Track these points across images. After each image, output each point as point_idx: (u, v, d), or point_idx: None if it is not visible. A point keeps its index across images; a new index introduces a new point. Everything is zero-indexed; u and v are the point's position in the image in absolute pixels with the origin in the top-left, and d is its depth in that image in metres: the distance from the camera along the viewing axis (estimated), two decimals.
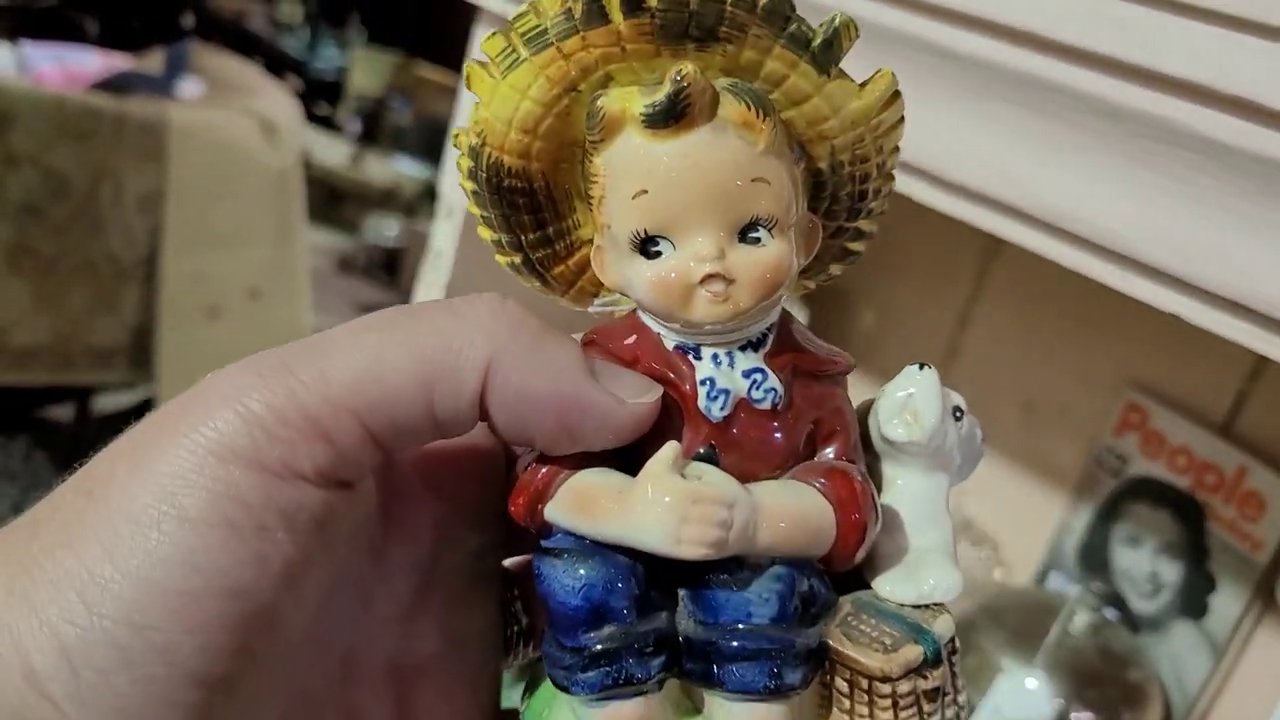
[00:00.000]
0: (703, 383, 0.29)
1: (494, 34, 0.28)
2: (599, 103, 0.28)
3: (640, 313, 0.30)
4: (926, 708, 0.29)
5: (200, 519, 0.24)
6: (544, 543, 0.29)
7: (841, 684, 0.29)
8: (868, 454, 0.32)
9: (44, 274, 1.60)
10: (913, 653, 0.29)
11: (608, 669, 0.28)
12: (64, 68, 1.86)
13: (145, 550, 0.24)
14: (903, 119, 0.30)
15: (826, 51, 0.27)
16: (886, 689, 0.29)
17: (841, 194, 0.30)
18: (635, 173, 0.28)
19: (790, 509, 0.28)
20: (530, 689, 0.33)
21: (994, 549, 0.88)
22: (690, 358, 0.29)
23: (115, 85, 1.79)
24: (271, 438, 0.25)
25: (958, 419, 0.32)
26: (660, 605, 0.29)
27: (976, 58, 0.47)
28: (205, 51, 2.15)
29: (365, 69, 3.71)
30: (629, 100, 0.27)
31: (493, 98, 0.28)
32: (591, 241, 0.30)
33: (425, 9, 3.91)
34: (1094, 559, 0.82)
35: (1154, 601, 0.78)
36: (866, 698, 0.29)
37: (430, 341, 0.27)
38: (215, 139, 1.75)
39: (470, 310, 0.28)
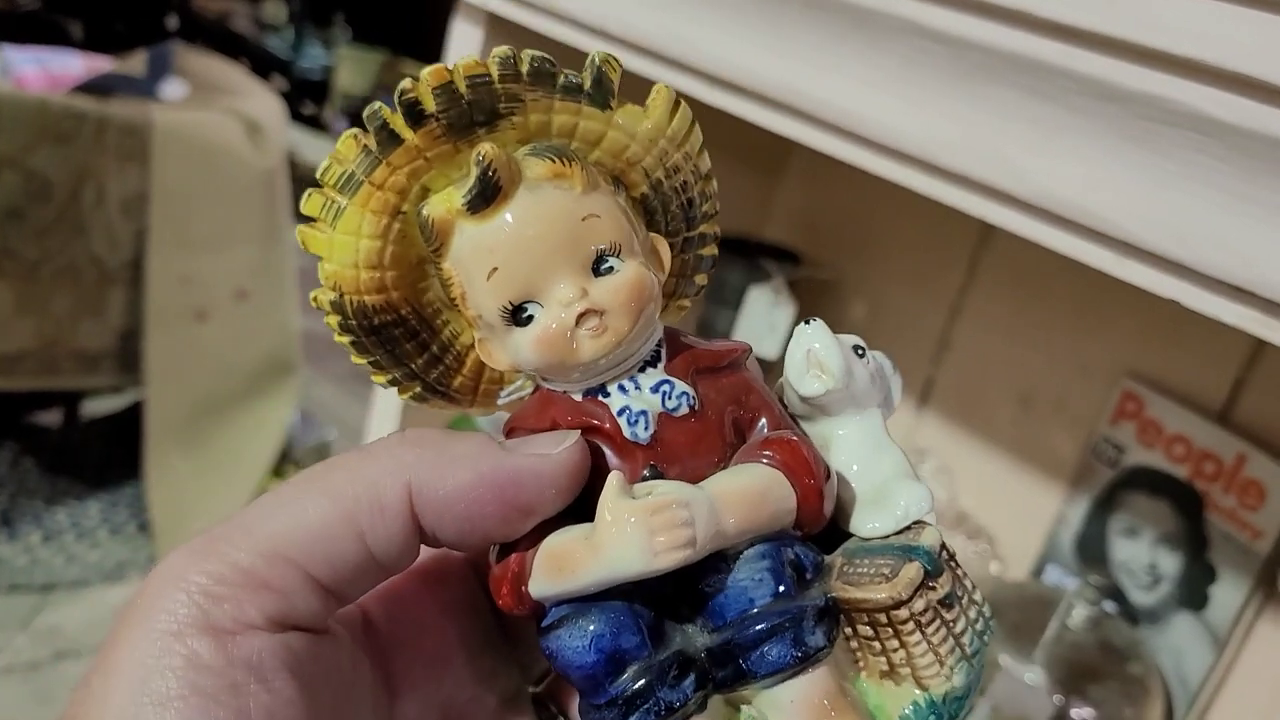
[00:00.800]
0: (620, 413, 0.30)
1: (310, 194, 0.29)
2: (424, 214, 0.30)
3: (543, 383, 0.32)
4: (948, 616, 0.30)
5: (173, 697, 0.25)
6: (543, 625, 0.30)
7: (864, 629, 0.30)
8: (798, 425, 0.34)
9: (27, 278, 1.59)
10: (912, 570, 0.30)
11: (645, 706, 0.28)
12: (46, 71, 1.85)
13: None
14: (694, 122, 0.32)
15: (599, 89, 0.30)
16: (904, 614, 0.29)
17: (672, 208, 0.33)
18: (480, 257, 0.29)
19: (744, 488, 0.30)
20: None
21: (990, 543, 0.87)
22: (599, 398, 0.31)
23: (98, 88, 1.77)
24: (216, 600, 0.26)
25: (861, 355, 0.33)
26: (670, 632, 0.30)
27: (966, 39, 0.46)
28: (189, 53, 2.14)
29: (351, 68, 3.70)
30: (449, 200, 0.29)
31: (332, 250, 0.30)
32: (474, 345, 0.32)
33: (410, 7, 3.90)
34: (1092, 551, 0.82)
35: (1153, 593, 0.77)
36: (891, 631, 0.30)
37: (345, 481, 0.28)
38: (199, 140, 1.74)
39: (377, 448, 0.29)
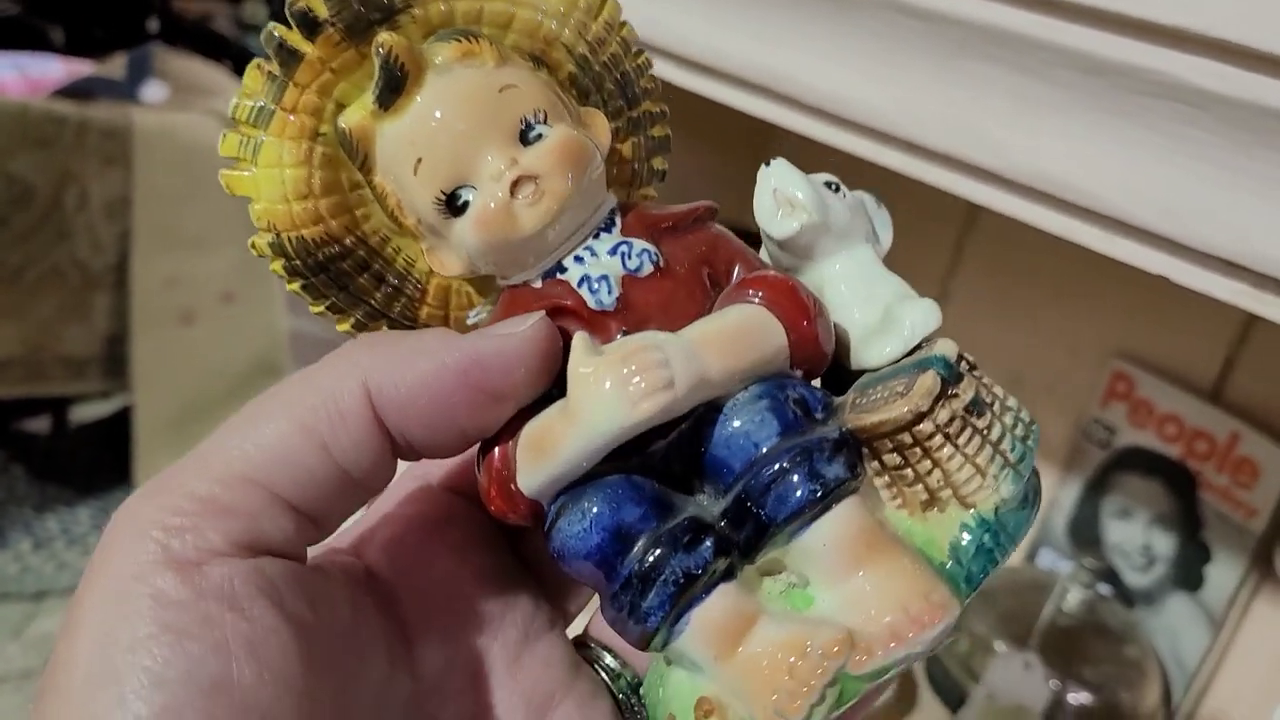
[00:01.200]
0: (580, 283, 0.29)
1: (225, 135, 0.28)
2: (341, 126, 0.28)
3: (503, 282, 0.30)
4: (979, 424, 0.28)
5: (143, 638, 0.24)
6: (545, 529, 0.28)
7: (892, 459, 0.28)
8: None
9: (10, 284, 1.58)
10: (928, 380, 0.27)
11: (662, 579, 0.26)
12: (25, 76, 1.83)
13: (110, 698, 0.23)
14: None
15: None
16: (929, 428, 0.27)
17: (607, 85, 0.31)
18: (402, 152, 0.28)
19: (723, 328, 0.28)
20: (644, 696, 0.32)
21: None
22: (558, 275, 0.29)
23: (78, 91, 1.76)
24: (175, 532, 0.25)
25: (835, 190, 0.32)
26: (680, 504, 0.28)
27: (946, 14, 0.45)
28: (170, 55, 2.12)
29: None
30: (362, 107, 0.28)
31: (259, 187, 0.28)
32: (434, 273, 0.31)
33: None
34: (1085, 534, 0.81)
35: (1148, 575, 0.77)
36: (919, 452, 0.27)
37: (300, 394, 0.27)
38: (181, 141, 1.73)
39: (332, 356, 0.28)
